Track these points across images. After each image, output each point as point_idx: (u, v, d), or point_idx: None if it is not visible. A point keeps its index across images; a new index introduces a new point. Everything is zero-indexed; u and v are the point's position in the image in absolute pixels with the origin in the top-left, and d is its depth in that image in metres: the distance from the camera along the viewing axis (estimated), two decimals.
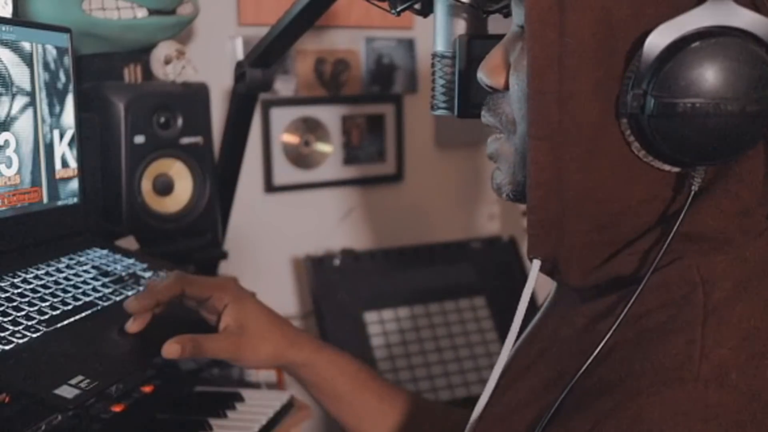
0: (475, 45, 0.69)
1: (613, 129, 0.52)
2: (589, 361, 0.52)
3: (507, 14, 0.68)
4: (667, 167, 0.53)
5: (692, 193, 0.51)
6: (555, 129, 0.52)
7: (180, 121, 1.19)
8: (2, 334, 0.75)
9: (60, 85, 0.99)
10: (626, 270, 0.55)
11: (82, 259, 0.98)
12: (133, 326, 0.81)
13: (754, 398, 0.47)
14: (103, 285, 0.92)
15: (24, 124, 0.94)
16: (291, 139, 1.59)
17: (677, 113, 0.48)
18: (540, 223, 0.55)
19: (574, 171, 0.53)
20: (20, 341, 0.75)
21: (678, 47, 0.48)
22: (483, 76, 0.60)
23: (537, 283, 0.57)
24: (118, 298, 0.90)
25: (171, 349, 0.75)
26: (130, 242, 1.11)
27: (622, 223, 0.55)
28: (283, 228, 1.60)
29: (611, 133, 0.52)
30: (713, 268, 0.52)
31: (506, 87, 0.59)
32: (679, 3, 0.49)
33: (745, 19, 0.48)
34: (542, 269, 0.57)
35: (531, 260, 0.57)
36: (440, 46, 0.75)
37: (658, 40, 0.48)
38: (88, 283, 0.92)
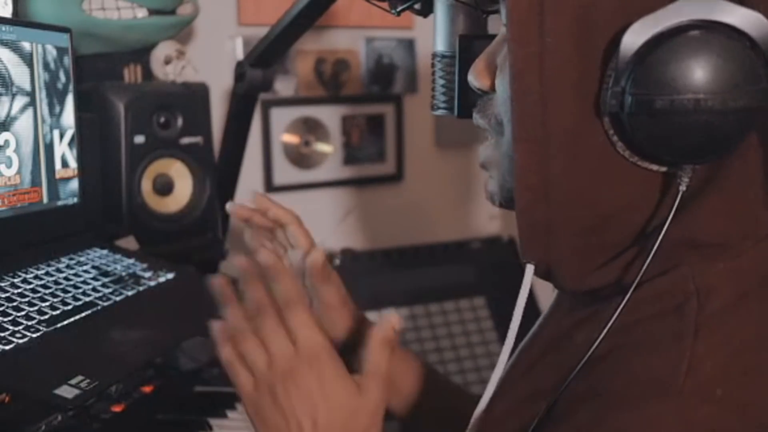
0: (475, 45, 0.69)
1: (596, 129, 0.50)
2: (574, 372, 0.51)
3: None
4: (654, 167, 0.51)
5: (680, 193, 0.49)
6: (538, 131, 0.50)
7: (180, 121, 1.19)
8: (2, 334, 0.75)
9: (60, 85, 0.99)
10: (620, 276, 0.53)
11: (82, 259, 0.98)
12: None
13: (740, 413, 0.46)
14: (103, 285, 0.92)
15: (24, 124, 0.94)
16: (291, 139, 1.59)
17: (655, 110, 0.46)
18: (529, 226, 0.54)
19: (559, 173, 0.51)
20: (20, 341, 0.75)
21: (655, 43, 0.46)
22: (471, 78, 0.60)
23: (540, 286, 0.57)
24: (118, 298, 0.90)
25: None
26: (130, 242, 1.11)
27: (612, 226, 0.53)
28: None
29: (594, 133, 0.50)
30: (710, 277, 0.51)
31: (493, 89, 0.58)
32: None
33: (727, 12, 0.45)
34: (537, 273, 0.56)
35: (524, 265, 0.56)
36: (440, 46, 0.75)
37: (635, 36, 0.46)
38: (88, 283, 0.92)
